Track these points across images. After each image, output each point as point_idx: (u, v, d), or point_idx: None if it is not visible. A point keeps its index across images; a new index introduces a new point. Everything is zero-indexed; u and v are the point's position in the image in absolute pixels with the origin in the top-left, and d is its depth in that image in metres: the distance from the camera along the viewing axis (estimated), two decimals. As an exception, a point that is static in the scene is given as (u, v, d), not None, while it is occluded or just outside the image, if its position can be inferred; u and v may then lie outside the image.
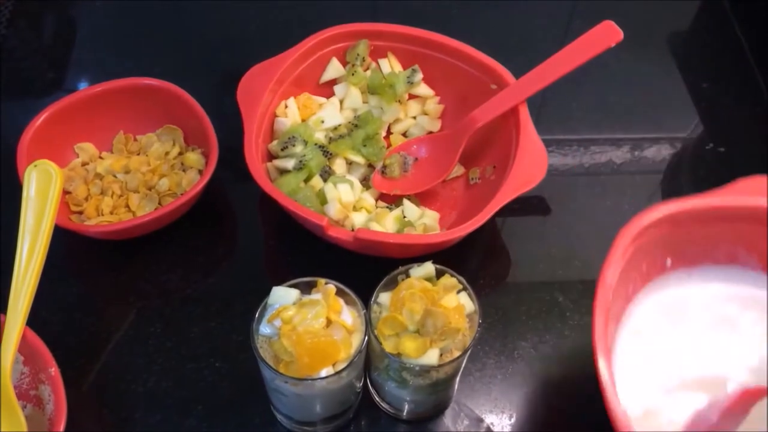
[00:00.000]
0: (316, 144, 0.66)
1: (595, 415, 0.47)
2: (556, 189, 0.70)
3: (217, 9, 0.83)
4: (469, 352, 0.49)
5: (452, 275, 0.51)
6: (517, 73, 0.65)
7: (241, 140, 0.61)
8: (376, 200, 0.66)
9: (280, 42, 0.67)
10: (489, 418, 0.57)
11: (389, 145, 0.70)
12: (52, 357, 0.50)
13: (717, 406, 0.47)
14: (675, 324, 0.52)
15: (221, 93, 0.68)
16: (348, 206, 0.62)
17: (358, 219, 0.62)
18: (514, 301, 0.63)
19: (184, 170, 0.67)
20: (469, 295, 0.51)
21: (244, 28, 0.82)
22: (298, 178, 0.64)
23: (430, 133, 0.71)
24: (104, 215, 0.63)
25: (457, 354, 0.49)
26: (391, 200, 0.66)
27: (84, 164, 0.67)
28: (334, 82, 0.71)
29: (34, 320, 0.50)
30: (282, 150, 0.65)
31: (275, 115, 0.67)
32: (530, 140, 0.62)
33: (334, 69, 0.70)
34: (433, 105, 0.71)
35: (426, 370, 0.49)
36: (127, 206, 0.64)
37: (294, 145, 0.64)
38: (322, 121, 0.68)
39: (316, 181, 0.65)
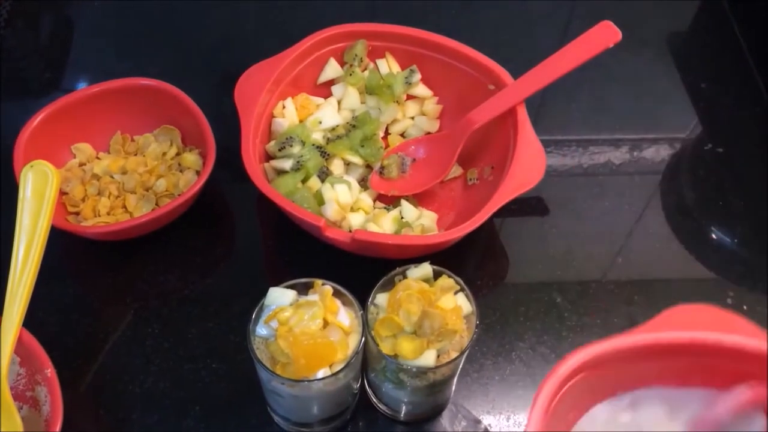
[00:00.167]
0: (313, 144, 0.66)
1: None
2: (554, 190, 0.69)
3: (215, 9, 0.83)
4: (466, 353, 0.49)
5: (450, 276, 0.51)
6: (516, 74, 0.65)
7: (239, 141, 0.61)
8: (374, 201, 0.66)
9: (277, 42, 0.67)
10: (486, 420, 0.57)
11: (387, 146, 0.69)
12: (49, 358, 0.50)
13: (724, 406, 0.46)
14: None
15: (219, 93, 0.68)
16: (345, 207, 0.62)
17: (355, 220, 0.62)
18: (512, 302, 0.63)
19: (181, 171, 0.66)
20: (467, 296, 0.50)
21: (242, 29, 0.82)
22: (295, 179, 0.64)
23: (428, 133, 0.70)
24: (101, 216, 0.63)
25: (454, 355, 0.49)
26: (389, 201, 0.66)
27: (81, 165, 0.67)
28: (331, 82, 0.70)
29: (30, 321, 0.50)
30: (279, 150, 0.64)
31: (273, 116, 0.67)
32: (528, 141, 0.62)
33: (332, 69, 0.69)
34: (431, 105, 0.71)
35: (423, 371, 0.48)
36: (124, 207, 0.64)
37: (291, 146, 0.64)
38: (320, 122, 0.67)
39: (314, 182, 0.65)
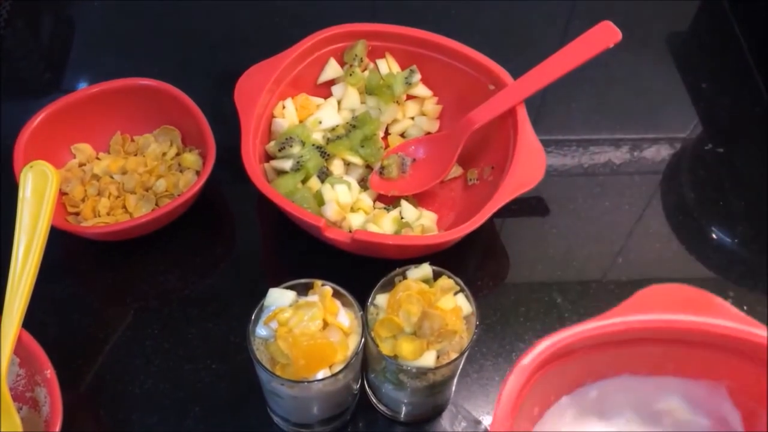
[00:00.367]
0: (313, 145, 0.66)
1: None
2: (554, 190, 0.69)
3: (215, 9, 0.83)
4: (466, 354, 0.49)
5: (450, 277, 0.51)
6: (516, 74, 0.64)
7: (239, 141, 0.61)
8: (374, 201, 0.66)
9: (277, 42, 0.67)
10: (487, 420, 0.57)
11: (387, 146, 0.69)
12: (48, 359, 0.50)
13: None
14: None
15: (219, 94, 0.68)
16: (345, 207, 0.62)
17: (355, 220, 0.62)
18: (512, 303, 0.62)
19: (181, 171, 0.66)
20: (467, 296, 0.50)
21: (242, 29, 0.82)
22: (295, 179, 0.64)
23: (428, 133, 0.70)
24: (101, 216, 0.63)
25: (454, 356, 0.48)
26: (389, 201, 0.66)
27: (81, 165, 0.67)
28: (331, 82, 0.70)
29: (30, 322, 0.50)
30: (279, 151, 0.64)
31: (273, 116, 0.67)
32: (528, 141, 0.62)
33: (332, 69, 0.69)
34: (432, 106, 0.71)
35: (423, 372, 0.48)
36: (124, 207, 0.64)
37: (291, 146, 0.64)
38: (320, 122, 0.67)
39: (314, 182, 0.64)
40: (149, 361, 0.58)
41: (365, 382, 0.56)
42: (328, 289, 0.49)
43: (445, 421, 0.57)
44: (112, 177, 0.65)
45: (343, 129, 0.68)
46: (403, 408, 0.55)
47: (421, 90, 0.70)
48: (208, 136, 0.63)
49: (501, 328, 0.61)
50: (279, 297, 0.49)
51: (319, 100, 0.70)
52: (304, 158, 0.64)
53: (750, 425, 0.43)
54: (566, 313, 0.62)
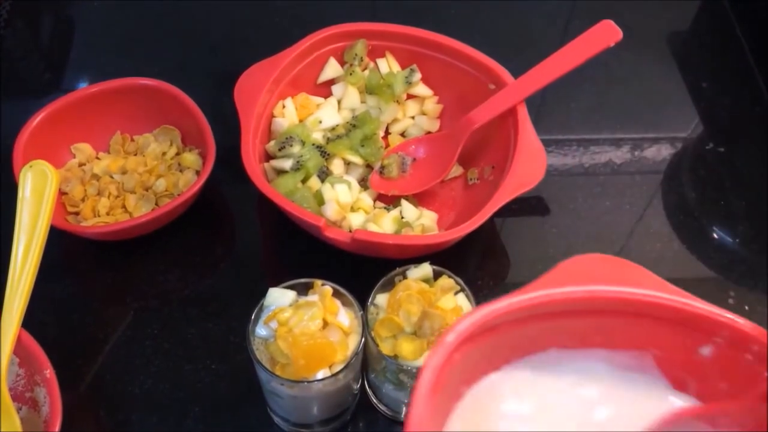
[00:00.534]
0: (313, 144, 0.65)
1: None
2: (555, 189, 0.69)
3: (215, 9, 0.83)
4: (466, 353, 0.49)
5: (450, 276, 0.51)
6: (516, 73, 0.64)
7: (239, 141, 0.61)
8: (374, 201, 0.66)
9: (277, 42, 0.67)
10: (487, 420, 0.57)
11: (387, 146, 0.69)
12: (48, 359, 0.50)
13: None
14: None
15: (219, 93, 0.68)
16: (345, 207, 0.62)
17: (355, 220, 0.62)
18: (512, 302, 0.62)
19: (181, 171, 0.66)
20: (467, 296, 0.50)
21: (242, 28, 0.82)
22: (295, 179, 0.63)
23: (429, 133, 0.70)
24: (101, 216, 0.63)
25: (454, 356, 0.48)
26: (389, 201, 0.66)
27: (81, 165, 0.67)
28: (332, 82, 0.70)
29: (29, 322, 0.50)
30: (279, 150, 0.64)
31: (273, 116, 0.67)
32: (529, 140, 0.62)
33: (332, 69, 0.69)
34: (432, 105, 0.70)
35: (423, 371, 0.48)
36: (124, 207, 0.64)
37: (291, 146, 0.64)
38: (320, 122, 0.67)
39: (314, 182, 0.64)
40: (149, 361, 0.58)
41: (365, 382, 0.56)
42: (328, 288, 0.49)
43: (445, 421, 0.57)
44: (111, 177, 0.65)
45: (343, 128, 0.68)
46: (404, 408, 0.55)
47: (422, 89, 0.70)
48: (207, 136, 0.63)
49: (501, 328, 0.61)
50: (279, 297, 0.49)
51: (319, 100, 0.70)
52: (304, 158, 0.64)
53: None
54: (567, 313, 0.62)
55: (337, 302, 0.49)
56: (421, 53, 0.69)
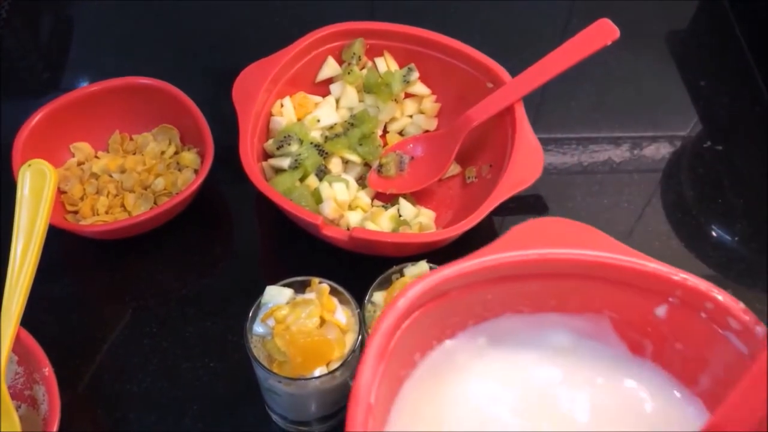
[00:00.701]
0: (311, 143, 0.66)
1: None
2: (553, 188, 0.69)
3: (213, 8, 0.83)
4: (463, 351, 0.49)
5: (447, 274, 0.50)
6: (514, 72, 0.64)
7: (237, 139, 0.61)
8: (372, 199, 0.66)
9: (275, 41, 0.67)
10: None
11: (385, 144, 0.69)
12: (47, 357, 0.50)
13: None
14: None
15: (217, 92, 0.68)
16: (343, 205, 0.62)
17: (353, 218, 0.62)
18: (510, 301, 0.62)
19: (179, 170, 0.66)
20: (464, 294, 0.50)
21: (240, 28, 0.82)
22: (293, 177, 0.64)
23: (427, 131, 0.70)
24: (100, 215, 0.63)
25: (451, 353, 0.48)
26: (387, 199, 0.66)
27: (80, 164, 0.67)
28: (330, 80, 0.70)
29: (28, 320, 0.50)
30: (277, 149, 0.64)
31: (271, 114, 0.67)
32: (526, 139, 0.62)
33: (330, 68, 0.69)
34: (430, 104, 0.70)
35: (420, 369, 0.48)
36: (123, 206, 0.64)
37: (289, 144, 0.64)
38: (318, 120, 0.67)
39: (312, 180, 0.64)
40: (147, 360, 0.58)
41: (363, 380, 0.56)
42: (325, 286, 0.49)
43: (443, 419, 0.57)
44: (110, 176, 0.65)
45: (341, 127, 0.68)
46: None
47: (420, 88, 0.70)
48: (206, 135, 0.63)
49: (499, 326, 0.61)
50: (276, 294, 0.49)
51: (318, 99, 0.70)
52: (302, 156, 0.64)
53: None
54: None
55: (335, 300, 0.49)
56: (419, 52, 0.69)
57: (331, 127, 0.68)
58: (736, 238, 0.68)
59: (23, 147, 0.61)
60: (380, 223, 0.61)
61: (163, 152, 0.67)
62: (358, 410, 0.34)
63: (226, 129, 0.63)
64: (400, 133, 0.71)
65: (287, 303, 0.48)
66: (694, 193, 0.71)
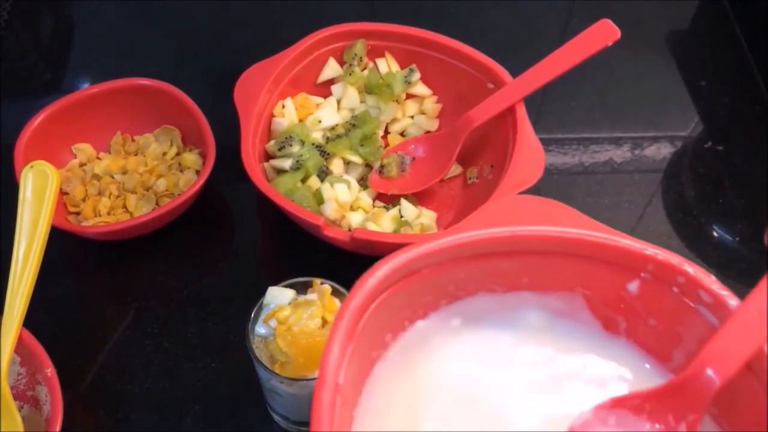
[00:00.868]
0: (313, 144, 0.66)
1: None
2: (554, 188, 0.69)
3: (215, 9, 0.83)
4: (465, 352, 0.49)
5: (448, 275, 0.51)
6: (515, 73, 0.64)
7: (239, 140, 0.61)
8: (373, 200, 0.66)
9: (277, 42, 0.67)
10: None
11: (387, 145, 0.69)
12: (49, 358, 0.50)
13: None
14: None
15: (219, 93, 0.68)
16: (345, 206, 0.62)
17: (354, 219, 0.62)
18: (511, 301, 0.62)
19: (181, 171, 0.67)
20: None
21: (242, 29, 0.82)
22: (295, 178, 0.64)
23: (428, 132, 0.70)
24: (101, 216, 0.63)
25: (453, 354, 0.48)
26: (389, 200, 0.66)
27: (81, 165, 0.67)
28: (331, 81, 0.70)
29: (30, 321, 0.50)
30: (279, 150, 0.65)
31: (272, 115, 0.67)
32: (527, 139, 0.62)
33: (332, 69, 0.69)
34: (431, 104, 0.71)
35: (422, 370, 0.48)
36: (125, 207, 0.64)
37: (291, 145, 0.64)
38: (320, 121, 0.67)
39: (313, 181, 0.65)
40: (149, 360, 0.58)
41: (365, 381, 0.56)
42: (327, 287, 0.49)
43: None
44: (112, 177, 0.66)
45: (342, 128, 0.68)
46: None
47: (421, 89, 0.70)
48: (207, 136, 0.63)
49: (501, 327, 0.61)
50: (278, 295, 0.49)
51: (319, 100, 0.70)
52: (304, 157, 0.64)
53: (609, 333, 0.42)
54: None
55: (336, 301, 0.49)
56: (420, 53, 0.69)
57: (333, 128, 0.68)
58: (737, 238, 0.68)
59: (25, 148, 0.61)
60: (382, 223, 0.61)
61: (164, 153, 0.67)
62: (324, 389, 0.33)
63: (227, 130, 0.63)
64: (402, 134, 0.71)
65: (289, 304, 0.49)
66: (695, 193, 0.71)
